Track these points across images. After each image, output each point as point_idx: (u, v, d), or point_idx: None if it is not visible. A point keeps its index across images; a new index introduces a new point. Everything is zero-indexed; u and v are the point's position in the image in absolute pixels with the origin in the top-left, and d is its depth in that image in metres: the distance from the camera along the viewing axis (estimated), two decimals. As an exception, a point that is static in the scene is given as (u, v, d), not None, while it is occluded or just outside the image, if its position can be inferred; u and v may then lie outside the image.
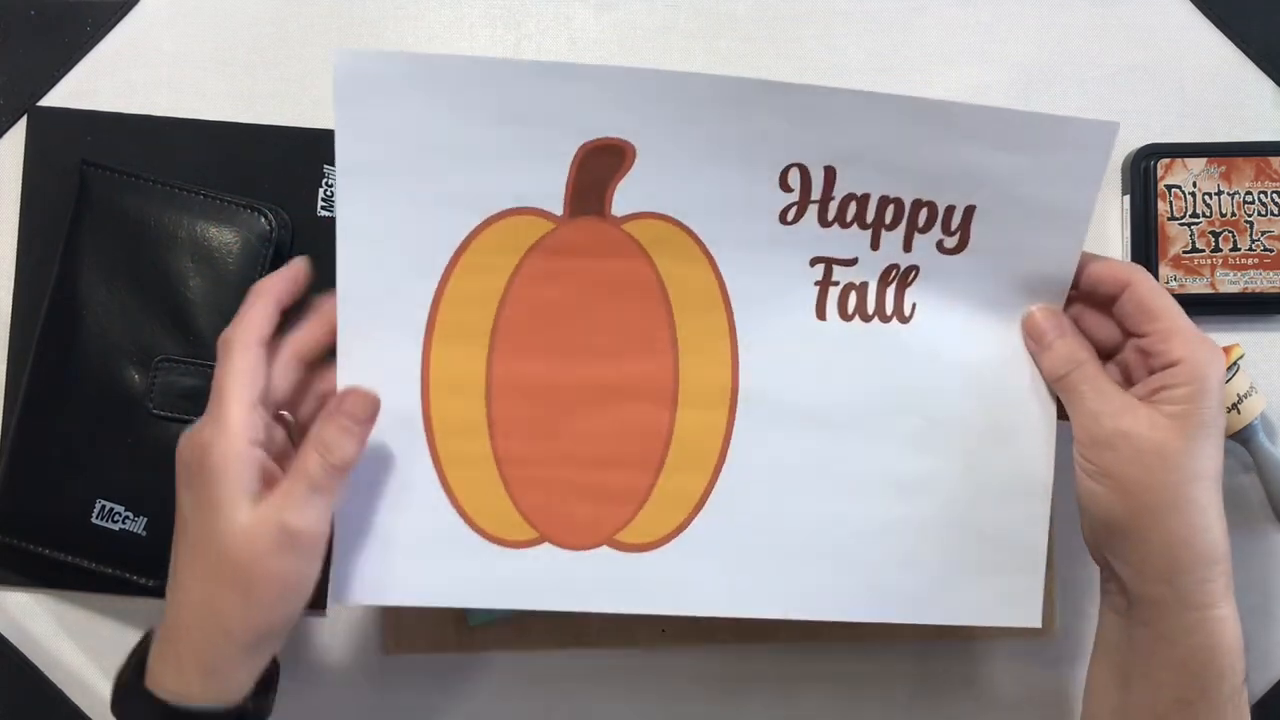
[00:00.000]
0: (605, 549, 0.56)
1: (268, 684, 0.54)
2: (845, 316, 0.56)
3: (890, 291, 0.56)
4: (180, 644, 0.50)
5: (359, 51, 0.52)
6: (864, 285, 0.56)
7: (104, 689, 0.64)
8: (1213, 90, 0.67)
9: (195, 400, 0.57)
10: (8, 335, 0.65)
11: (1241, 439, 0.63)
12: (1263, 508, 0.65)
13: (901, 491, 0.56)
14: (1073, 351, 0.54)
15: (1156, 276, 0.64)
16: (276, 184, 0.65)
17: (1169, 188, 0.64)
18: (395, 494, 0.55)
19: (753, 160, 0.54)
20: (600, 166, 0.54)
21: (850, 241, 0.55)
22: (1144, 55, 0.67)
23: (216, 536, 0.49)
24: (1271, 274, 0.64)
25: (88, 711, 0.64)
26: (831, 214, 0.55)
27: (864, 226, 0.55)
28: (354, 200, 0.53)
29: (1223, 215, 0.64)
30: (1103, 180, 0.53)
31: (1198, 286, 0.64)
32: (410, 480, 0.55)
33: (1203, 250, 0.64)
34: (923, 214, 0.55)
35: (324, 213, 0.65)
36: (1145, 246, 0.64)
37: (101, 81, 0.66)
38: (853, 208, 0.55)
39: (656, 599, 0.56)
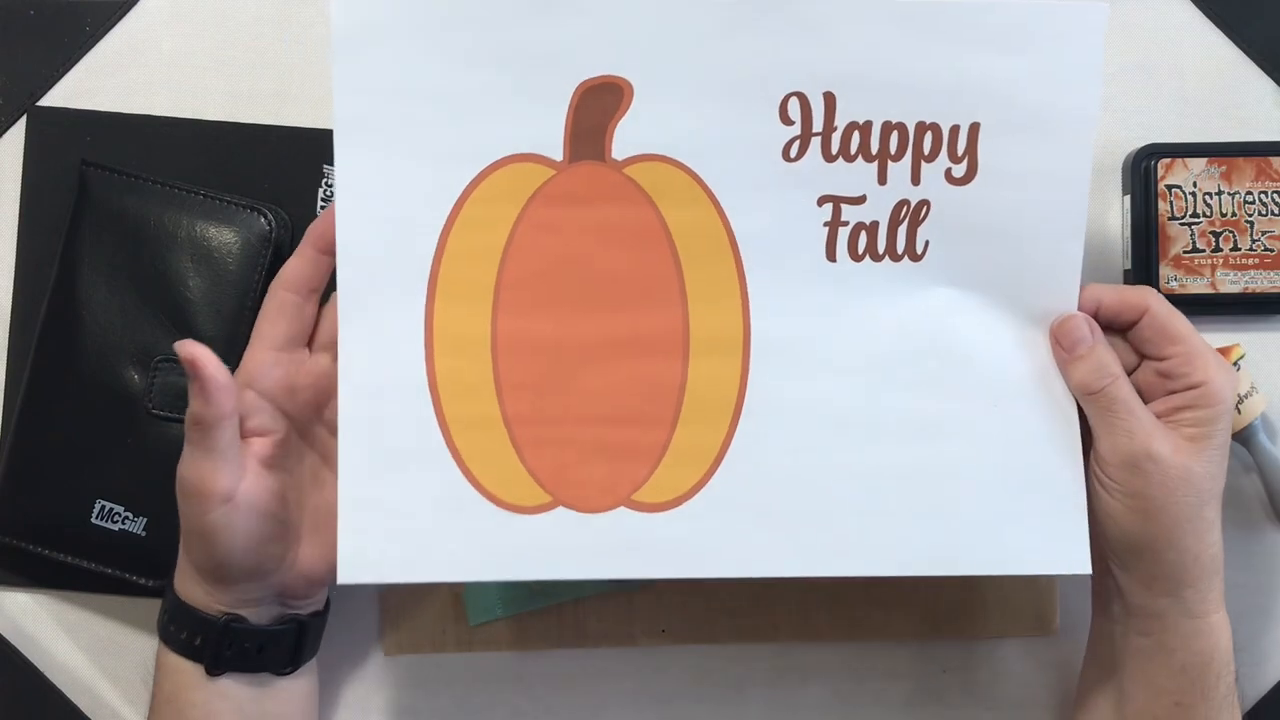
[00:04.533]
0: (622, 510, 0.53)
1: (279, 637, 0.56)
2: (856, 257, 0.54)
3: (902, 230, 0.54)
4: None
5: None
6: (874, 224, 0.54)
7: (104, 689, 0.64)
8: (1213, 90, 0.66)
9: (195, 400, 0.57)
10: (8, 335, 0.65)
11: (1242, 439, 0.63)
12: (1263, 508, 0.65)
13: (924, 435, 0.54)
14: (1107, 364, 0.53)
15: (1157, 276, 0.64)
16: (276, 184, 0.64)
17: (1169, 188, 0.64)
18: (400, 463, 0.53)
19: (751, 90, 0.53)
20: (598, 107, 0.53)
21: (856, 177, 0.54)
22: (1144, 55, 0.67)
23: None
24: (1272, 274, 0.64)
25: (88, 711, 0.64)
26: (835, 147, 0.53)
27: (869, 159, 0.54)
28: (352, 156, 0.53)
29: (1223, 215, 0.64)
30: (1101, 73, 0.53)
31: (1198, 286, 0.64)
32: (415, 447, 0.53)
33: (1203, 250, 0.64)
34: (928, 139, 0.53)
35: (324, 213, 0.65)
36: (1145, 246, 0.64)
37: (101, 81, 0.66)
38: (856, 138, 0.53)
39: (678, 561, 0.53)
